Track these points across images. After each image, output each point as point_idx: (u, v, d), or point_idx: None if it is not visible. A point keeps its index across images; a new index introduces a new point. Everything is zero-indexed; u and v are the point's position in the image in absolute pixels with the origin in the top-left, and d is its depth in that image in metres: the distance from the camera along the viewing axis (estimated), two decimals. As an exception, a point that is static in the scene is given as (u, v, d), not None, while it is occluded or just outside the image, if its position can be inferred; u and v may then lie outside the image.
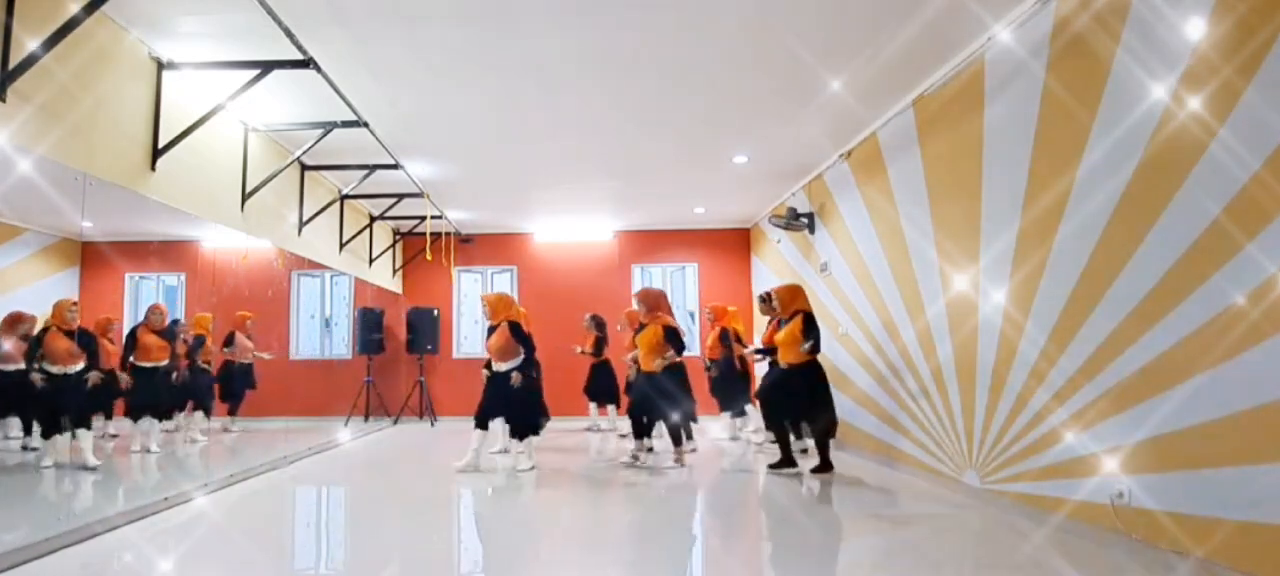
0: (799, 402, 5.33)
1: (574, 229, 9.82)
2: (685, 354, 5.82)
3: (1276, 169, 2.44)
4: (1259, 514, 2.52)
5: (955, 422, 4.52)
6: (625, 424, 6.76)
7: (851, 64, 4.50)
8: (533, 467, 5.49)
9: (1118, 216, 3.13)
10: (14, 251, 5.13)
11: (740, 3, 3.76)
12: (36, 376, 4.94)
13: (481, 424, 5.56)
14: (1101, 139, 3.22)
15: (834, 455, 5.48)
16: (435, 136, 5.91)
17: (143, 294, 6.73)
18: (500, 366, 5.57)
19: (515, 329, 5.57)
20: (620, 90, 4.94)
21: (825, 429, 5.31)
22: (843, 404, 6.35)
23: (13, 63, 3.14)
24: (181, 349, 6.47)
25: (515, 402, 5.53)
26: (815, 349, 5.23)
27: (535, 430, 5.64)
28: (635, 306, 6.10)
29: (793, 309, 5.46)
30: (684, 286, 10.11)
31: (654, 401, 5.68)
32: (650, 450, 5.94)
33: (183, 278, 6.91)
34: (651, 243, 9.96)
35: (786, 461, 5.29)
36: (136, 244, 6.47)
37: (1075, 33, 3.39)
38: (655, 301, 5.87)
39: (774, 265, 8.67)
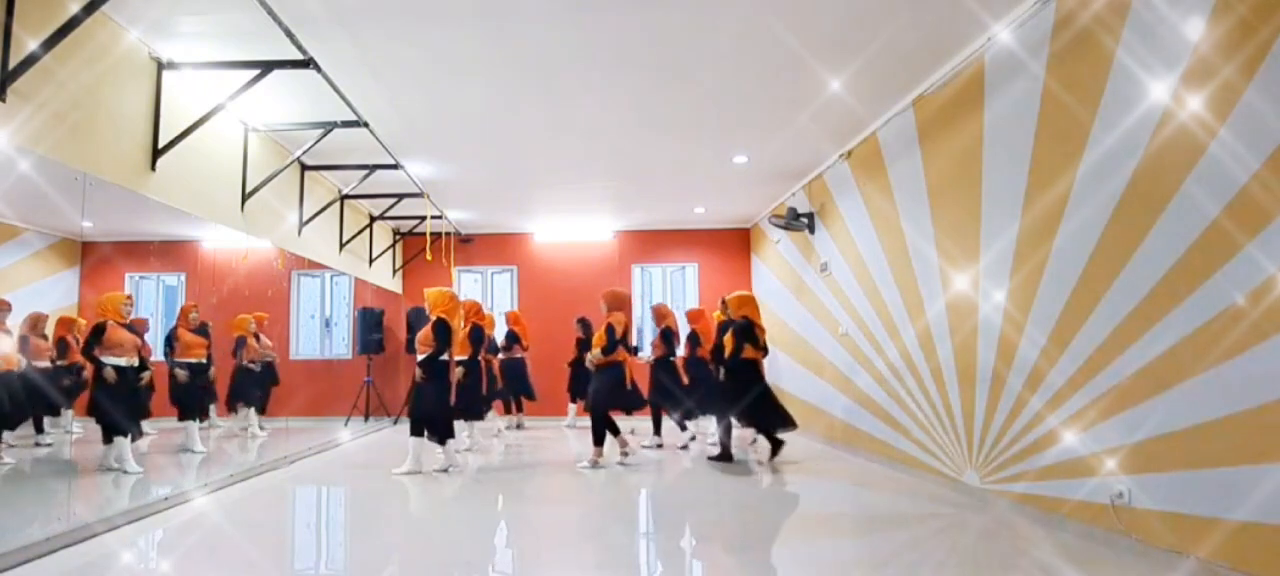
0: (734, 402, 5.71)
1: (574, 229, 9.82)
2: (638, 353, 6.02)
3: (1276, 169, 2.44)
4: (1259, 514, 2.52)
5: (955, 422, 4.52)
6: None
7: (851, 64, 4.50)
8: (410, 471, 5.29)
9: (1118, 216, 3.13)
10: (14, 251, 5.12)
11: (741, 2, 3.76)
12: (109, 371, 4.93)
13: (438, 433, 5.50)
14: (1101, 139, 3.22)
15: (829, 451, 5.54)
16: (435, 136, 5.91)
17: (143, 294, 6.72)
18: (421, 357, 5.51)
19: (438, 325, 5.47)
20: (620, 90, 4.94)
21: (762, 425, 5.75)
22: (843, 404, 6.36)
23: (13, 63, 3.14)
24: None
25: (416, 398, 5.47)
26: (734, 356, 5.71)
27: (424, 430, 5.44)
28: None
29: (738, 314, 5.87)
30: (684, 286, 10.11)
31: (600, 396, 5.77)
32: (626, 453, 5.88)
33: (183, 277, 6.90)
34: (651, 243, 9.95)
35: (724, 454, 5.78)
36: (136, 244, 6.46)
37: (1075, 33, 3.39)
38: (614, 302, 5.94)
39: (774, 265, 8.67)
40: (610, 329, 5.75)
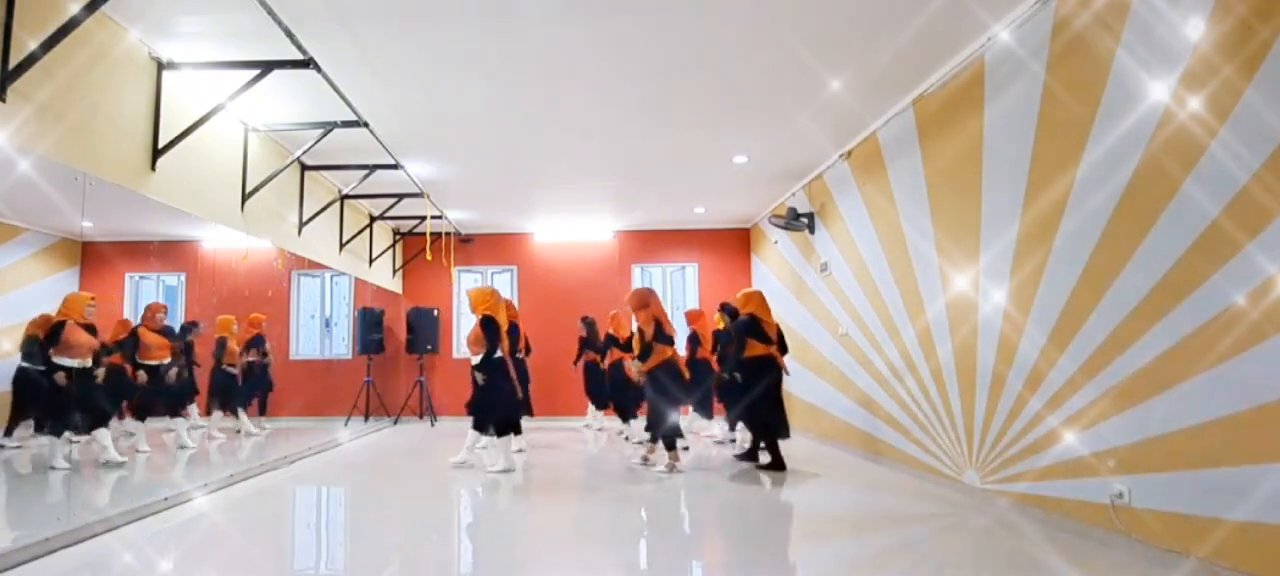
0: (739, 398, 5.68)
1: (574, 229, 9.82)
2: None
3: (1276, 169, 2.44)
4: (1259, 514, 2.52)
5: (955, 422, 4.52)
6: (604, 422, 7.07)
7: (851, 64, 4.50)
8: (505, 470, 5.44)
9: (1118, 216, 3.13)
10: (14, 251, 5.13)
11: (741, 2, 3.76)
12: (59, 375, 4.95)
13: (477, 424, 5.65)
14: (1101, 139, 3.22)
15: (828, 451, 5.52)
16: (435, 136, 5.91)
17: (143, 294, 6.73)
18: (473, 360, 5.58)
19: (485, 323, 5.50)
20: (620, 90, 4.95)
21: (763, 428, 5.60)
22: (843, 404, 6.36)
23: (13, 63, 3.15)
24: (201, 350, 6.58)
25: (476, 399, 5.57)
26: (737, 355, 5.60)
27: (498, 428, 5.53)
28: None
29: (744, 311, 5.84)
30: (684, 286, 10.11)
31: (656, 402, 5.66)
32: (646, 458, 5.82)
33: (183, 277, 6.92)
34: (651, 243, 9.96)
35: (751, 454, 5.74)
36: (136, 244, 6.47)
37: (1075, 33, 3.39)
38: (638, 303, 5.77)
39: (774, 265, 8.67)
40: (641, 333, 5.63)
